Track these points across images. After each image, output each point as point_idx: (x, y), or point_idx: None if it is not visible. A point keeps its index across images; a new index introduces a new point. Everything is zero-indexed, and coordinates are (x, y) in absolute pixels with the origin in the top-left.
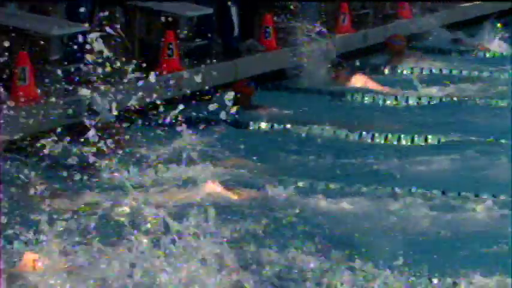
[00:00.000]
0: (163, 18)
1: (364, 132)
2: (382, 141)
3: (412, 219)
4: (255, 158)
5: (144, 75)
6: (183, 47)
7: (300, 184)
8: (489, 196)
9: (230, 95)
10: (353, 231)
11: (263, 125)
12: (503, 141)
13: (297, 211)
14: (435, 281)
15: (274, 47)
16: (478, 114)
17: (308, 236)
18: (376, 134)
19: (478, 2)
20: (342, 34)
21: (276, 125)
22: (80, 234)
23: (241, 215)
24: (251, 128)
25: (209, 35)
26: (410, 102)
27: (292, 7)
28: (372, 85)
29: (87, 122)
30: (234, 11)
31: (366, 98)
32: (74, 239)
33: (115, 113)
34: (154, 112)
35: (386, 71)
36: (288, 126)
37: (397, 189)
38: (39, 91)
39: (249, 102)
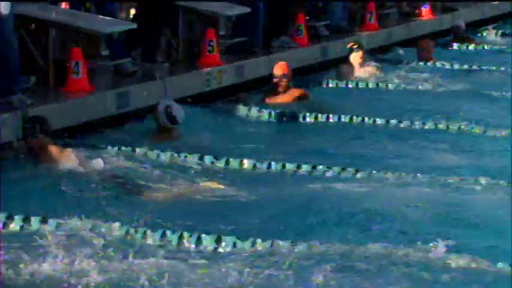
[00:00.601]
0: (204, 17)
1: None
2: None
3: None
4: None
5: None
6: (222, 43)
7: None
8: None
9: None
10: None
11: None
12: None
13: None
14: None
15: (306, 44)
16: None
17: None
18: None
19: (496, 2)
20: (368, 32)
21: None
22: None
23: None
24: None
25: (247, 32)
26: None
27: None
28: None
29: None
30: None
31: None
32: None
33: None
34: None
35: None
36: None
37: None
38: (91, 84)
39: (289, 84)
